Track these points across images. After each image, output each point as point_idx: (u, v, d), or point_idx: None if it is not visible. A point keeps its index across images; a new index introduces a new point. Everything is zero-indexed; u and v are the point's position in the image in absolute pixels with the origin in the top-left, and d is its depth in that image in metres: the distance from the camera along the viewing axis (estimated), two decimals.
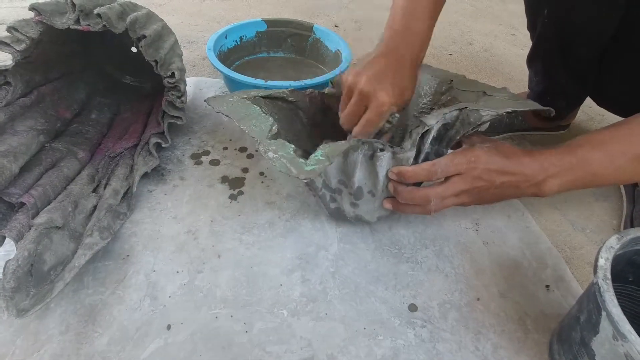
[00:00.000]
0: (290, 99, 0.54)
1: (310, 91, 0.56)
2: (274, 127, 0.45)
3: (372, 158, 0.43)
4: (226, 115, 0.47)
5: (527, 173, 0.42)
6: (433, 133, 0.44)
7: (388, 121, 0.47)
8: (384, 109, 0.45)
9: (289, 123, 0.54)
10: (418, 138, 0.43)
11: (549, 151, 0.43)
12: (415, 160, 0.45)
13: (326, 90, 0.57)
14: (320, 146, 0.42)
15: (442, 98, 0.54)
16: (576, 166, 0.42)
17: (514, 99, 0.47)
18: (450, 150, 0.46)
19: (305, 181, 0.47)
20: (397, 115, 0.47)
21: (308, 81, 0.66)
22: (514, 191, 0.44)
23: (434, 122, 0.42)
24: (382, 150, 0.42)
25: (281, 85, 0.66)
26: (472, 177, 0.42)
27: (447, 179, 0.43)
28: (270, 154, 0.41)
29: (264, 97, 0.52)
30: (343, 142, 0.42)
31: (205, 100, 0.51)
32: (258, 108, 0.49)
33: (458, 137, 0.45)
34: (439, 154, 0.47)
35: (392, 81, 0.45)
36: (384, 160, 0.43)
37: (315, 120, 0.57)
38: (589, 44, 0.54)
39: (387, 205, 0.48)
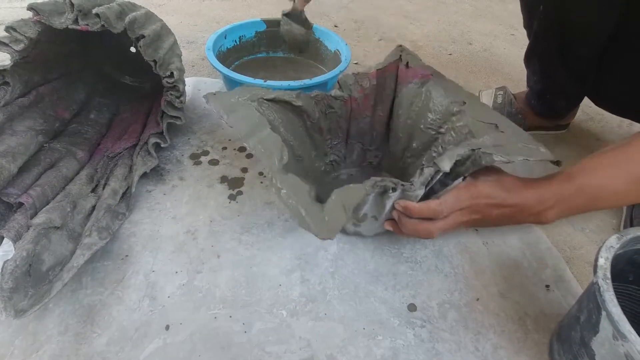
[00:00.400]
0: (298, 103, 0.53)
1: (316, 93, 0.55)
2: (284, 156, 0.43)
3: (382, 195, 0.42)
4: (228, 124, 0.46)
5: (525, 205, 0.43)
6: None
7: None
8: None
9: (292, 127, 0.53)
10: (429, 179, 0.42)
11: (549, 181, 0.43)
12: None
13: (332, 92, 0.56)
14: (335, 192, 0.40)
15: (452, 119, 0.52)
16: (574, 195, 0.43)
17: (526, 142, 0.46)
18: (453, 182, 0.46)
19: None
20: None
21: (308, 81, 0.66)
22: (511, 221, 0.45)
23: (448, 167, 0.42)
24: (394, 190, 0.41)
25: (280, 85, 0.66)
26: (471, 211, 0.43)
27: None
28: (284, 195, 0.39)
29: (268, 100, 0.51)
30: (358, 186, 0.40)
31: (204, 96, 0.49)
32: (264, 119, 0.47)
33: (466, 175, 0.45)
34: (443, 184, 0.47)
35: None
36: (393, 198, 0.43)
37: (319, 123, 0.56)
38: (587, 42, 0.54)
39: (388, 227, 0.47)
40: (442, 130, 0.53)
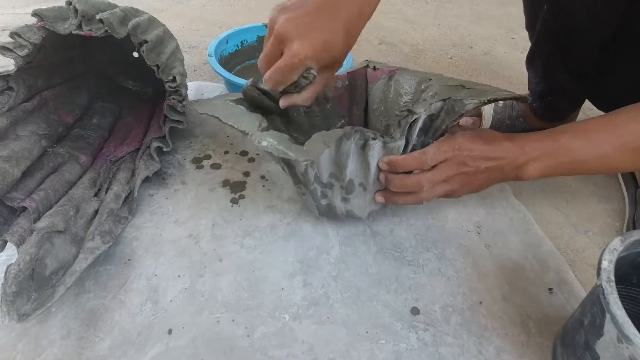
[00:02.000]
0: (269, 102, 0.51)
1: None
2: (263, 122, 0.45)
3: (363, 148, 0.43)
4: (212, 116, 0.46)
5: (507, 156, 0.43)
6: (420, 123, 0.45)
7: (303, 76, 0.41)
8: (295, 60, 0.38)
9: (275, 127, 0.53)
10: (407, 127, 0.44)
11: (531, 136, 0.43)
12: (404, 151, 0.46)
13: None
14: (315, 134, 0.42)
15: (422, 95, 0.54)
16: (557, 151, 0.42)
17: (493, 89, 0.48)
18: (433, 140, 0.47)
19: (300, 175, 0.46)
20: (313, 71, 0.41)
21: None
22: (499, 174, 0.45)
23: (422, 110, 0.43)
24: (373, 139, 0.42)
25: None
26: (457, 162, 0.43)
27: (435, 166, 0.44)
28: (264, 143, 0.40)
29: (246, 100, 0.52)
30: (337, 129, 0.42)
31: (188, 107, 0.51)
32: (243, 108, 0.49)
33: (443, 127, 0.46)
34: (424, 145, 0.47)
35: (316, 30, 0.38)
36: (376, 150, 0.43)
37: (301, 124, 0.57)
38: (589, 41, 0.54)
39: (379, 198, 0.47)
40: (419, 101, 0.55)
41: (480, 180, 0.45)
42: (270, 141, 0.41)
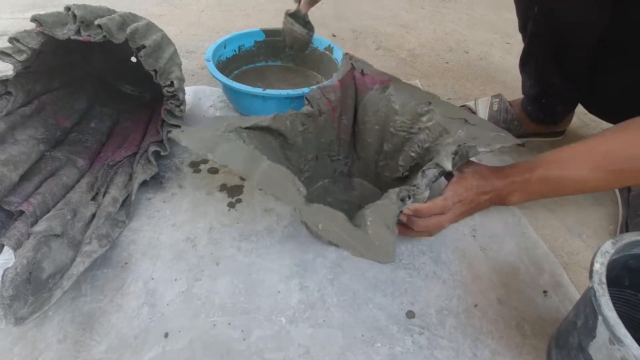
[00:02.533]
0: (274, 126, 0.52)
1: (289, 113, 0.54)
2: (300, 187, 0.41)
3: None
4: (216, 161, 0.43)
5: (497, 190, 0.49)
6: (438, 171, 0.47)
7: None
8: None
9: (270, 150, 0.52)
10: (431, 179, 0.46)
11: (512, 170, 0.49)
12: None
13: (304, 110, 0.55)
14: (369, 213, 0.41)
15: (422, 119, 0.55)
16: (535, 182, 0.47)
17: (496, 131, 0.51)
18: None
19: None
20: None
21: (306, 89, 0.67)
22: (488, 204, 0.50)
23: (450, 166, 0.46)
24: (409, 197, 0.44)
25: (279, 93, 0.66)
26: (468, 201, 0.48)
27: None
28: (323, 231, 0.38)
29: (246, 129, 0.49)
30: (385, 202, 0.43)
31: (169, 136, 0.45)
32: (254, 150, 0.44)
33: (455, 169, 0.48)
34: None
35: None
36: (407, 204, 0.45)
37: (295, 142, 0.55)
38: (579, 42, 0.55)
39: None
40: (414, 130, 0.56)
41: (476, 210, 0.51)
42: (327, 225, 0.38)
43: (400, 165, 0.58)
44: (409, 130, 0.57)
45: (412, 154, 0.56)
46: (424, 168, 0.46)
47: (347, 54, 0.61)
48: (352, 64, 0.59)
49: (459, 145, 0.47)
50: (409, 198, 0.44)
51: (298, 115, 0.54)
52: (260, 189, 0.41)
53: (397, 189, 0.44)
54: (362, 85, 0.59)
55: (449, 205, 0.47)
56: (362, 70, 0.58)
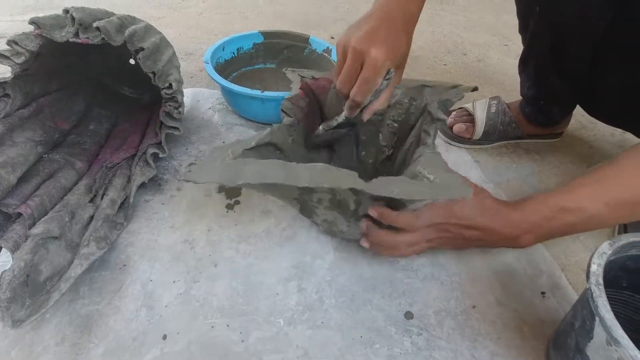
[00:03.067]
0: (273, 141, 0.52)
1: (278, 126, 0.54)
2: (350, 172, 0.41)
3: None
4: (248, 187, 0.42)
5: (498, 231, 0.46)
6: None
7: (385, 78, 0.46)
8: (378, 64, 0.44)
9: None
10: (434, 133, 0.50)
11: (523, 206, 0.46)
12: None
13: (285, 121, 0.55)
14: (419, 167, 0.43)
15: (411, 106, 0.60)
16: (551, 220, 0.45)
17: (452, 85, 0.57)
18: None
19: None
20: (392, 70, 0.46)
21: None
22: (483, 243, 0.48)
23: (443, 115, 0.50)
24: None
25: (278, 95, 0.67)
26: (440, 229, 0.46)
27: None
28: (397, 191, 0.39)
29: (250, 150, 0.49)
30: (425, 153, 0.46)
31: (179, 179, 0.44)
32: (282, 160, 0.44)
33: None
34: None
35: (384, 37, 0.44)
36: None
37: (290, 153, 0.55)
38: (579, 43, 0.55)
39: (365, 243, 0.48)
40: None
41: (460, 244, 0.49)
42: (399, 187, 0.40)
43: (383, 145, 0.60)
44: (379, 112, 0.58)
45: (391, 130, 0.60)
46: (423, 128, 0.50)
47: (287, 69, 0.62)
48: (298, 74, 0.61)
49: (439, 100, 0.52)
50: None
51: (282, 127, 0.55)
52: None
53: (418, 150, 0.47)
54: (319, 87, 0.60)
55: (418, 226, 0.44)
56: (312, 77, 0.60)
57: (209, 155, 0.46)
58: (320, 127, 0.56)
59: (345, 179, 0.40)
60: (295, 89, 0.59)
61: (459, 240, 0.48)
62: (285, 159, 0.55)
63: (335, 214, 0.47)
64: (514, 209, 0.46)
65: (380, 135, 0.61)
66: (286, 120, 0.56)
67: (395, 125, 0.60)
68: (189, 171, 0.43)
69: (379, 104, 0.49)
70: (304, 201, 0.48)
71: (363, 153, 0.63)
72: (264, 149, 0.52)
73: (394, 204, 0.44)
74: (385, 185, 0.40)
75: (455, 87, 0.57)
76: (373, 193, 0.39)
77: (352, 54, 0.45)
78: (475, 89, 0.57)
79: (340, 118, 0.52)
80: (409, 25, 0.48)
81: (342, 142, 0.62)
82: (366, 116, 0.50)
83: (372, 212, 0.44)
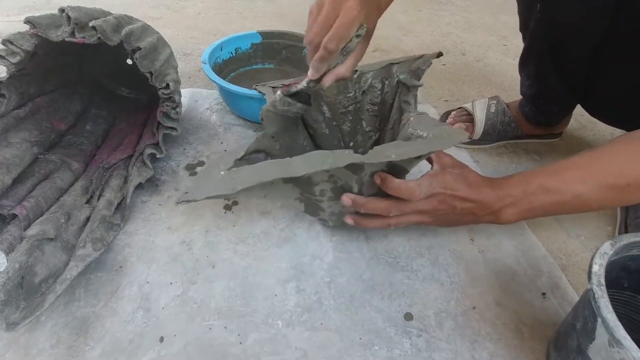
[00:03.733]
0: (260, 148, 0.52)
1: (263, 134, 0.52)
2: (347, 151, 0.41)
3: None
4: (249, 193, 0.42)
5: (484, 202, 0.45)
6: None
7: (356, 34, 0.45)
8: (355, 12, 0.43)
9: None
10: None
11: (508, 181, 0.45)
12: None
13: (268, 129, 0.53)
14: (411, 129, 0.45)
15: (361, 84, 0.62)
16: (532, 195, 0.44)
17: (415, 58, 0.60)
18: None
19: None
20: (365, 26, 0.45)
21: None
22: (471, 218, 0.47)
23: (418, 82, 0.55)
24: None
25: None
26: (437, 200, 0.44)
27: None
28: (394, 156, 0.39)
29: (240, 159, 0.49)
30: (416, 115, 0.48)
31: (179, 203, 0.42)
32: (274, 159, 0.44)
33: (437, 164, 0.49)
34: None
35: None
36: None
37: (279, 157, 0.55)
38: (580, 42, 0.55)
39: (349, 220, 0.47)
40: (359, 98, 0.63)
41: (450, 220, 0.47)
42: (397, 150, 0.40)
43: (368, 131, 0.62)
44: (355, 100, 0.62)
45: (372, 113, 0.62)
46: (402, 99, 0.54)
47: (257, 85, 0.62)
48: (269, 87, 0.61)
49: (410, 70, 0.56)
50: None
51: (267, 135, 0.53)
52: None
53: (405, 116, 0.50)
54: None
55: (420, 195, 0.43)
56: (281, 84, 0.61)
57: (203, 174, 0.46)
58: (278, 93, 0.52)
59: (342, 157, 0.40)
60: (268, 99, 0.57)
61: (451, 216, 0.46)
62: (313, 138, 0.57)
63: (341, 204, 0.46)
64: (498, 184, 0.46)
65: (363, 122, 0.63)
66: (269, 128, 0.54)
67: (375, 107, 0.62)
68: (186, 192, 0.42)
69: (344, 68, 0.47)
70: (307, 198, 0.47)
71: (351, 144, 0.63)
72: (255, 158, 0.51)
73: (396, 175, 0.44)
74: (382, 152, 0.40)
75: (420, 57, 0.59)
76: (372, 161, 0.39)
77: (330, 3, 0.44)
78: (440, 54, 0.58)
79: (301, 85, 0.50)
80: (380, 8, 0.48)
81: (327, 137, 0.62)
82: (328, 81, 0.47)
83: (376, 179, 0.43)
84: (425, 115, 0.48)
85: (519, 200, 0.45)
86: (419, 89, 0.58)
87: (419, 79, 0.57)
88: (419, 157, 0.41)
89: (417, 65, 0.57)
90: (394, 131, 0.58)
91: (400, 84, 0.59)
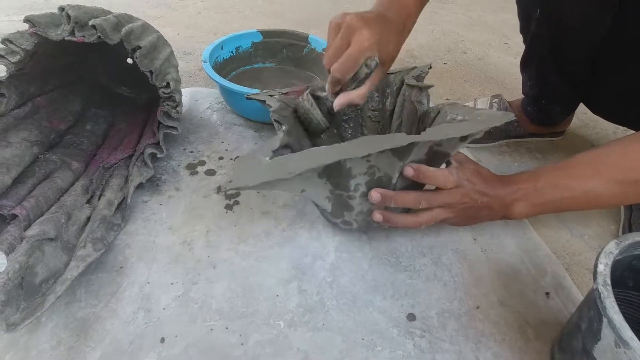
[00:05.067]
0: (290, 143, 0.49)
1: (286, 129, 0.50)
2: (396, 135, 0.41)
3: None
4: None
5: (498, 196, 0.45)
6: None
7: (366, 65, 0.45)
8: (365, 44, 0.43)
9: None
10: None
11: (518, 177, 0.46)
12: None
13: (283, 129, 0.49)
14: (452, 115, 0.47)
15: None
16: (542, 190, 0.44)
17: (415, 65, 0.63)
18: None
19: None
20: (376, 59, 0.46)
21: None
22: (488, 212, 0.47)
23: (421, 82, 0.57)
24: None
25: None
26: (463, 193, 0.44)
27: (438, 189, 0.45)
28: (442, 137, 0.40)
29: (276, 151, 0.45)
30: (454, 105, 0.50)
31: (226, 190, 0.38)
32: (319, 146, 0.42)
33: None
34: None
35: (377, 28, 0.45)
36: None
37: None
38: (581, 44, 0.55)
39: (378, 216, 0.46)
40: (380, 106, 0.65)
41: (471, 215, 0.47)
42: (445, 130, 0.41)
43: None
44: (356, 107, 0.63)
45: (374, 119, 0.64)
46: (414, 99, 0.56)
47: (249, 97, 0.60)
48: (265, 94, 0.60)
49: (413, 76, 0.57)
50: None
51: (286, 132, 0.51)
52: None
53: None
54: (290, 100, 0.59)
55: (453, 181, 0.43)
56: (280, 93, 0.60)
57: (242, 164, 0.42)
58: (306, 92, 0.53)
59: (398, 138, 0.39)
60: (273, 104, 0.56)
61: (472, 210, 0.46)
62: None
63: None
64: (509, 178, 0.47)
65: (364, 128, 0.65)
66: (284, 128, 0.51)
67: (376, 112, 0.64)
68: (230, 181, 0.39)
69: (355, 95, 0.48)
70: (337, 196, 0.46)
71: None
72: (284, 152, 0.49)
73: (434, 163, 0.45)
74: (439, 131, 0.41)
75: (413, 68, 0.62)
76: (431, 139, 0.40)
77: (343, 30, 0.45)
78: (430, 67, 0.61)
79: (323, 94, 0.51)
80: (400, 30, 0.50)
81: (327, 143, 0.61)
82: (337, 105, 0.48)
83: (408, 170, 0.42)
84: (458, 103, 0.48)
85: (529, 194, 0.45)
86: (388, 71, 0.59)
87: (421, 79, 0.59)
88: (466, 137, 0.42)
89: (417, 73, 0.60)
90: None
91: (408, 87, 0.59)
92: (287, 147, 0.49)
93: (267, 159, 0.41)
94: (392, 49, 0.48)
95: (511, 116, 0.43)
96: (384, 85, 0.63)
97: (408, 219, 0.46)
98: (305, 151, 0.41)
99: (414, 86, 0.58)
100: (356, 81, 0.47)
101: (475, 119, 0.44)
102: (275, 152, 0.44)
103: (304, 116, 0.54)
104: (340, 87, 0.48)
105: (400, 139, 0.39)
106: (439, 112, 0.51)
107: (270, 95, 0.59)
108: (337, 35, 0.46)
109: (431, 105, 0.57)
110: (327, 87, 0.49)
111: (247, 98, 0.60)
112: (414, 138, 0.39)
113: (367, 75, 0.47)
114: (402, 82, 0.61)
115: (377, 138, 0.40)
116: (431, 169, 0.43)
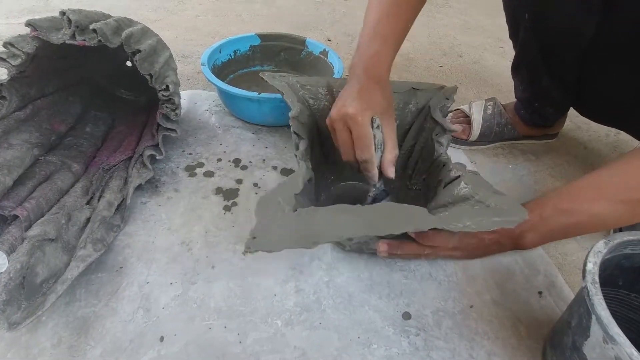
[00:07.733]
0: (311, 177, 0.49)
1: (302, 155, 0.49)
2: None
3: None
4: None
5: (505, 230, 0.46)
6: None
7: (374, 127, 0.47)
8: (358, 118, 0.45)
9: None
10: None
11: (525, 206, 0.46)
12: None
13: (301, 146, 0.50)
14: (469, 190, 0.44)
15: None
16: (549, 219, 0.45)
17: (435, 87, 0.61)
18: None
19: None
20: (377, 118, 0.47)
21: None
22: (497, 247, 0.49)
23: (449, 124, 0.54)
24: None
25: (274, 97, 0.67)
26: (467, 236, 0.48)
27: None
28: (463, 225, 0.39)
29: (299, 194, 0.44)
30: (468, 176, 0.46)
31: (248, 251, 0.37)
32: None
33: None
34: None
35: (356, 96, 0.46)
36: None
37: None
38: (569, 48, 0.56)
39: (383, 246, 0.47)
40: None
41: (479, 252, 0.51)
42: (468, 219, 0.40)
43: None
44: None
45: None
46: (435, 139, 0.53)
47: (265, 74, 0.61)
48: (279, 79, 0.60)
49: (439, 107, 0.56)
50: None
51: (304, 152, 0.50)
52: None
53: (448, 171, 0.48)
54: (320, 110, 0.60)
55: (450, 242, 0.47)
56: (297, 82, 0.60)
57: (263, 211, 0.40)
58: (371, 191, 0.52)
59: (417, 217, 0.40)
60: (291, 99, 0.55)
61: (479, 249, 0.49)
62: (313, 187, 0.52)
63: (371, 236, 0.44)
64: None
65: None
66: (302, 144, 0.50)
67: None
68: (254, 238, 0.37)
69: (388, 153, 0.48)
70: (336, 242, 0.50)
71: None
72: (306, 185, 0.48)
73: None
74: (458, 218, 0.40)
75: (441, 87, 0.61)
76: (450, 229, 0.39)
77: (336, 125, 0.47)
78: (456, 88, 0.61)
79: (373, 192, 0.51)
80: (381, 82, 0.50)
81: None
82: (389, 171, 0.49)
83: (410, 232, 0.44)
84: (477, 175, 0.46)
85: (537, 224, 0.46)
86: (414, 85, 0.60)
87: (445, 115, 0.57)
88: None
89: (442, 102, 0.58)
90: (409, 158, 0.60)
91: (431, 119, 0.57)
92: (309, 180, 0.48)
93: (290, 208, 0.40)
94: (379, 98, 0.48)
95: (525, 215, 0.40)
96: (406, 100, 0.60)
97: (410, 252, 0.48)
98: (330, 215, 0.39)
99: (438, 123, 0.55)
100: (379, 145, 0.48)
101: (496, 210, 0.41)
102: (299, 194, 0.43)
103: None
104: (374, 164, 0.48)
105: (423, 221, 0.39)
106: (449, 168, 0.48)
107: (288, 83, 0.58)
108: (335, 133, 0.48)
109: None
110: (371, 177, 0.49)
111: (260, 75, 0.62)
112: (434, 223, 0.39)
113: (382, 132, 0.48)
114: (427, 102, 0.59)
115: (401, 210, 0.40)
116: (429, 233, 0.45)
